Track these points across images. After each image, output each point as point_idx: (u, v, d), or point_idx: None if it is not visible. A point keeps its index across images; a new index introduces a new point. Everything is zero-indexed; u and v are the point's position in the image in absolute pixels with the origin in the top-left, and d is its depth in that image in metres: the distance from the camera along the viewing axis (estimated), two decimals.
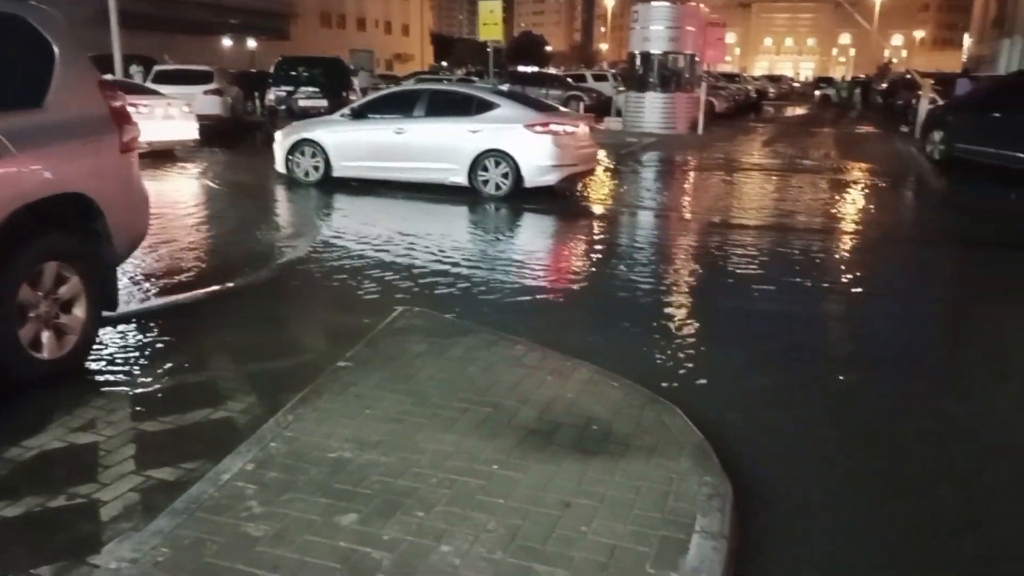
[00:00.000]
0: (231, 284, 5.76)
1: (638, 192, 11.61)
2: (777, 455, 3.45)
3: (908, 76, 26.30)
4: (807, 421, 3.81)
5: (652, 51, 20.15)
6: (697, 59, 20.99)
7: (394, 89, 12.98)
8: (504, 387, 3.78)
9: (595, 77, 32.63)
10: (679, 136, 19.50)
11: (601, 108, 24.99)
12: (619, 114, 21.61)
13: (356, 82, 22.48)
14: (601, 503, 2.79)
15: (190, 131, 13.87)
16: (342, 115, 10.77)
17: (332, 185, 10.30)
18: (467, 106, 9.97)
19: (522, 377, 3.90)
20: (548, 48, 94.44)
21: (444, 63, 75.26)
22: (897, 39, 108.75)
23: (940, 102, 17.24)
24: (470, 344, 4.35)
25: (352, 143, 10.29)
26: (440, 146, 9.81)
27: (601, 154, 15.40)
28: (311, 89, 19.36)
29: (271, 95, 20.14)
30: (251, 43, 43.64)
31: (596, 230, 8.68)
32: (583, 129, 10.22)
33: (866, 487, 3.24)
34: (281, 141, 10.74)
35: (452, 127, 9.78)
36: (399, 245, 7.15)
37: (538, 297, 5.76)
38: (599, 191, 11.35)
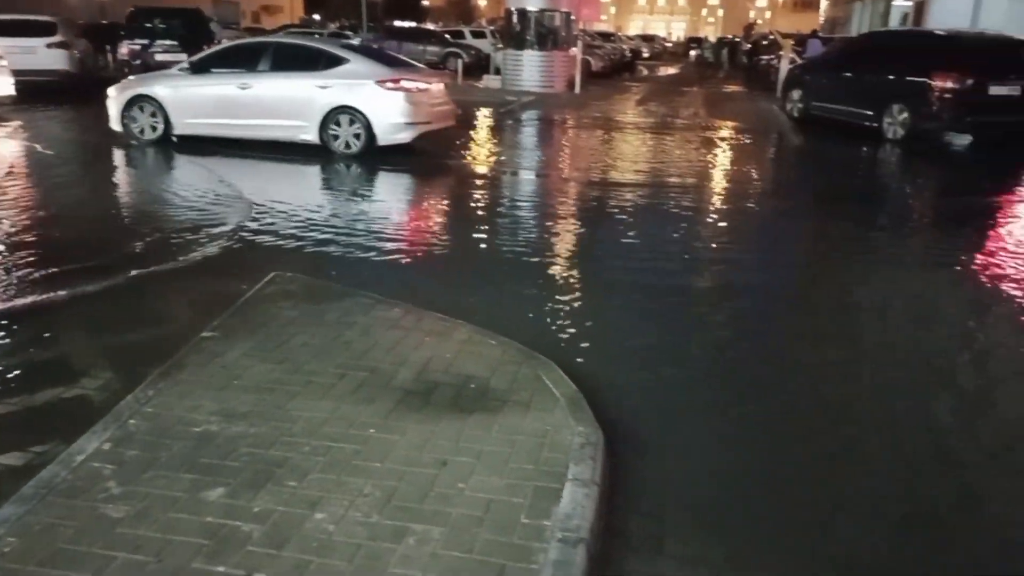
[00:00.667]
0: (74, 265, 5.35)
1: (513, 151, 11.64)
2: (651, 406, 3.59)
3: (771, 37, 27.52)
4: (680, 373, 3.98)
5: (529, 8, 20.08)
6: (573, 17, 21.12)
7: (237, 42, 12.28)
8: (381, 350, 3.73)
9: (474, 34, 32.24)
10: (557, 95, 19.65)
11: (480, 66, 24.80)
12: (498, 72, 21.50)
13: (218, 34, 21.19)
14: (478, 459, 2.83)
15: (3, 86, 12.72)
16: (181, 69, 10.21)
17: (175, 144, 9.80)
18: (315, 61, 9.62)
19: (400, 339, 3.87)
20: (426, 3, 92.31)
21: (316, 16, 72.18)
22: (761, 1, 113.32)
23: (799, 62, 18.18)
24: (346, 308, 4.27)
25: (194, 99, 9.77)
26: (288, 102, 9.48)
27: (483, 112, 15.48)
28: (168, 42, 18.06)
29: (124, 49, 18.68)
30: None
31: (468, 189, 8.65)
32: (437, 86, 10.09)
33: (736, 434, 3.43)
34: (116, 97, 10.07)
35: (300, 82, 9.45)
36: (259, 208, 6.86)
37: (411, 258, 5.70)
38: (478, 150, 11.31)
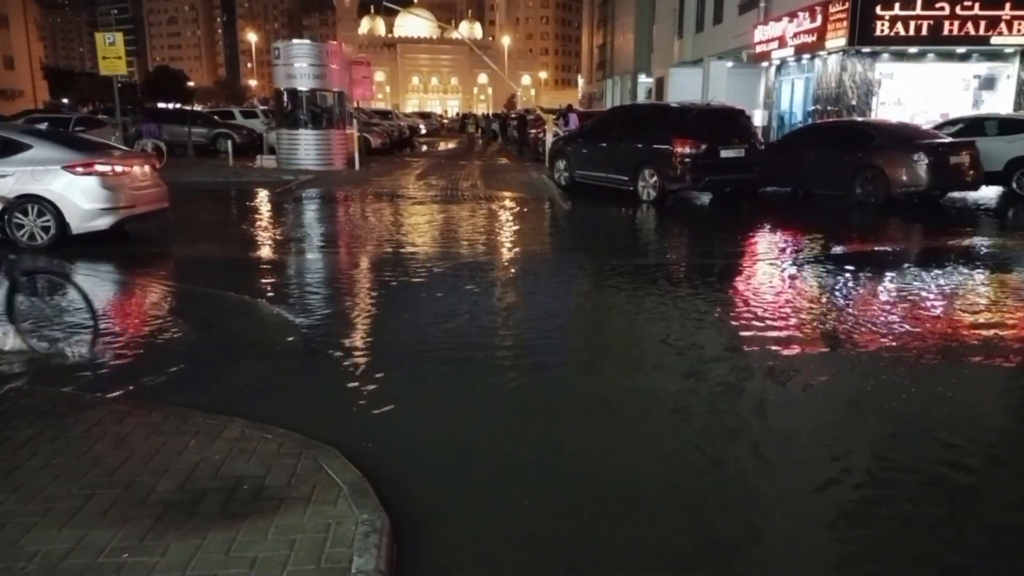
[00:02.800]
0: None
1: (285, 229, 11.34)
2: (441, 478, 3.53)
3: (533, 114, 29.59)
4: (470, 439, 3.97)
5: (299, 88, 19.98)
6: (346, 96, 21.32)
7: None
8: (138, 461, 3.37)
9: (244, 114, 31.41)
10: (337, 172, 19.58)
11: (254, 146, 24.13)
12: (273, 152, 21.04)
13: None
14: (252, 568, 2.60)
15: None
16: None
17: None
18: None
19: (160, 446, 3.52)
20: (190, 83, 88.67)
21: (65, 100, 66.70)
22: (526, 79, 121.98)
23: (561, 134, 19.66)
24: (95, 418, 3.82)
25: None
26: None
27: (263, 194, 14.98)
28: None
29: None
30: None
31: (221, 274, 8.26)
32: (140, 168, 9.52)
33: (526, 493, 3.46)
34: None
35: None
36: None
37: (163, 354, 5.23)
38: (264, 230, 10.87)
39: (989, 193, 14.79)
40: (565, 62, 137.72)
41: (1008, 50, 21.01)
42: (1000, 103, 21.14)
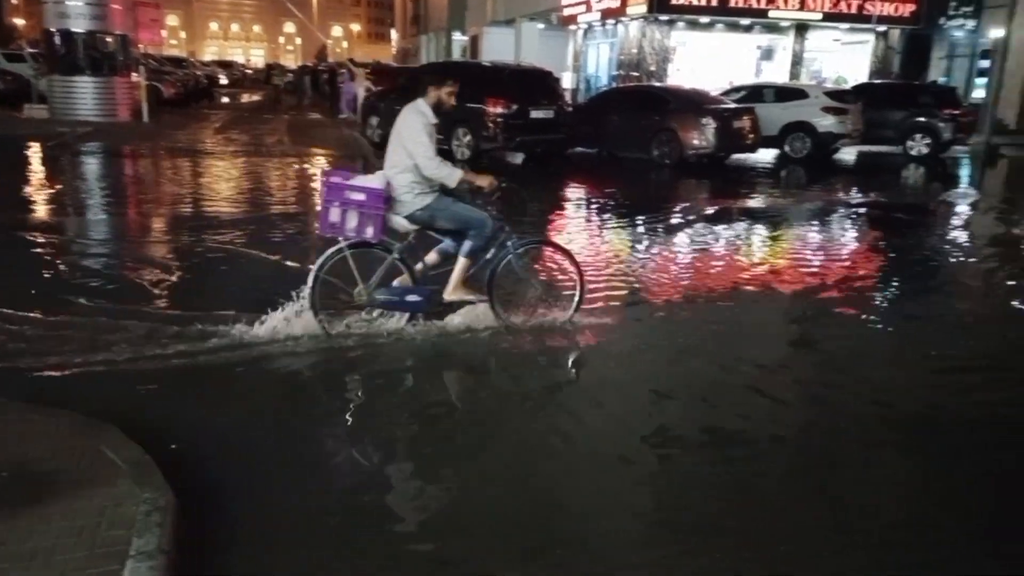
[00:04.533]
0: None
1: (61, 189, 10.20)
2: (231, 451, 3.37)
3: (343, 68, 28.52)
4: (259, 413, 3.82)
5: (74, 29, 17.81)
6: (131, 40, 19.31)
7: None
8: None
9: (9, 57, 27.55)
10: (122, 124, 17.80)
11: (21, 93, 21.28)
12: (44, 101, 18.69)
13: None
14: (32, 560, 2.35)
15: None
16: None
17: None
18: None
19: None
20: None
21: None
22: (337, 30, 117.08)
23: (374, 90, 19.13)
24: None
25: None
26: None
27: (33, 148, 13.27)
28: None
29: None
30: None
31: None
32: None
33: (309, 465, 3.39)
34: None
35: None
36: None
37: None
38: (34, 188, 9.65)
39: (766, 155, 16.33)
40: (379, 15, 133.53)
41: (784, 24, 23.14)
42: (777, 72, 23.32)
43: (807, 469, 3.46)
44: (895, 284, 6.84)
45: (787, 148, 15.92)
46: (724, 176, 13.90)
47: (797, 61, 23.74)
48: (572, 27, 25.94)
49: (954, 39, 27.60)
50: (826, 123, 15.50)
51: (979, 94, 23.38)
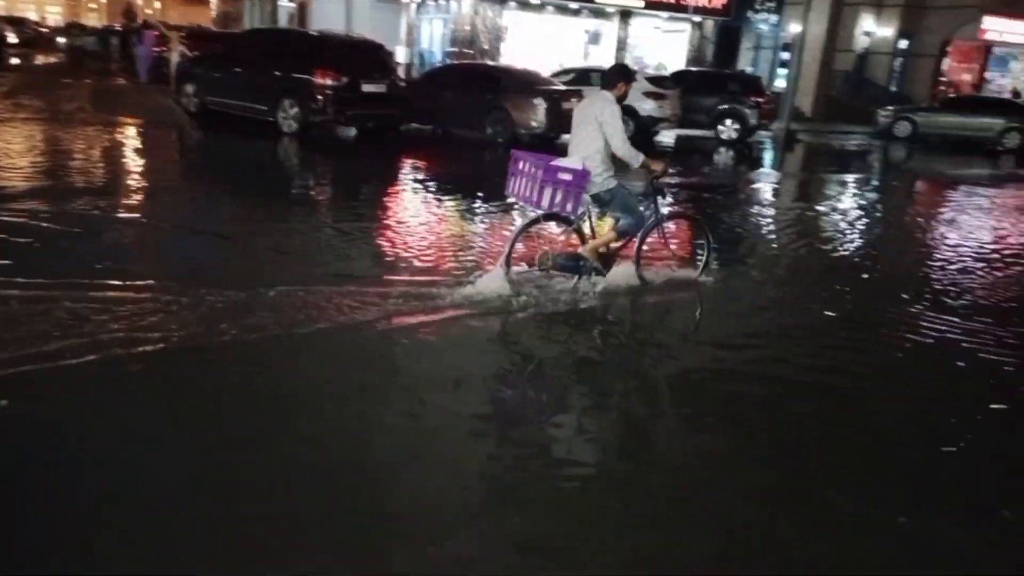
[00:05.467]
0: None
1: None
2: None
3: (157, 30, 26.30)
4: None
5: None
6: None
7: None
8: None
9: None
10: None
11: None
12: None
13: None
14: None
15: None
16: None
17: None
18: None
19: None
20: None
21: None
22: None
23: (189, 55, 17.79)
24: None
25: None
26: None
27: None
28: None
29: None
30: None
31: None
32: None
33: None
34: None
35: None
36: None
37: None
38: None
39: None
40: None
41: (610, 9, 24.04)
42: (604, 56, 24.21)
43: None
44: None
45: None
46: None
47: (622, 46, 24.79)
48: (405, 0, 25.47)
49: (760, 32, 29.98)
50: (647, 107, 16.31)
51: (781, 83, 25.61)
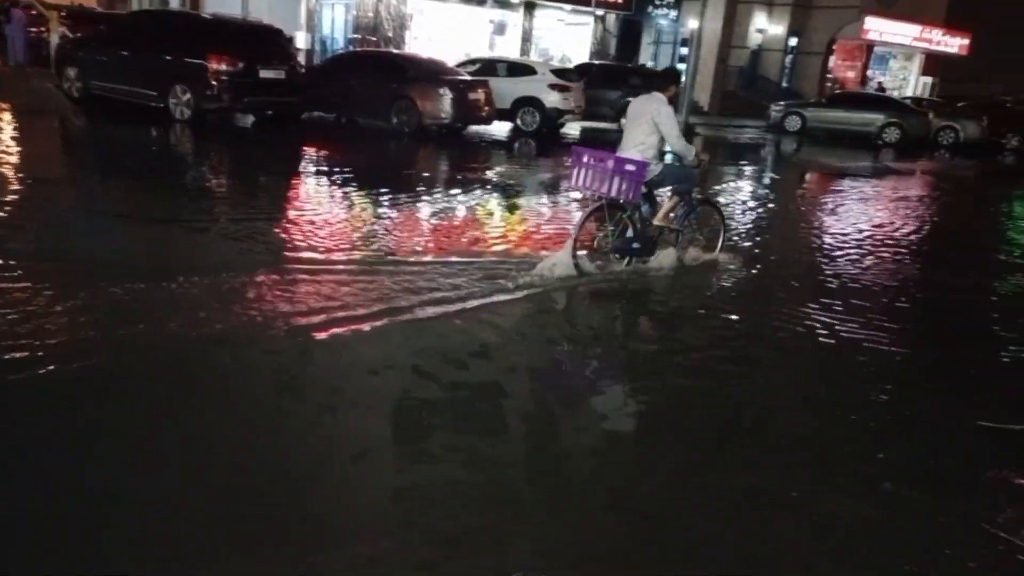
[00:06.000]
0: None
1: None
2: None
3: (34, 9, 24.56)
4: None
5: None
6: None
7: None
8: None
9: None
10: None
11: None
12: None
13: None
14: None
15: None
16: None
17: None
18: None
19: None
20: None
21: None
22: None
23: (71, 37, 16.70)
24: None
25: None
26: None
27: None
28: None
29: None
30: None
31: None
32: None
33: None
34: None
35: None
36: None
37: None
38: None
39: (501, 128, 16.98)
40: None
41: (515, 0, 24.10)
42: (510, 47, 24.28)
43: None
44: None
45: (519, 121, 16.67)
46: (462, 146, 14.23)
47: (527, 38, 24.93)
48: None
49: (660, 27, 30.75)
50: (552, 99, 16.46)
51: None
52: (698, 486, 3.20)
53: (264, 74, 12.82)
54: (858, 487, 3.29)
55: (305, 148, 12.11)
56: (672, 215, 6.51)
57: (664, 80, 6.20)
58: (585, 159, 5.96)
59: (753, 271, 6.85)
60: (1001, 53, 43.71)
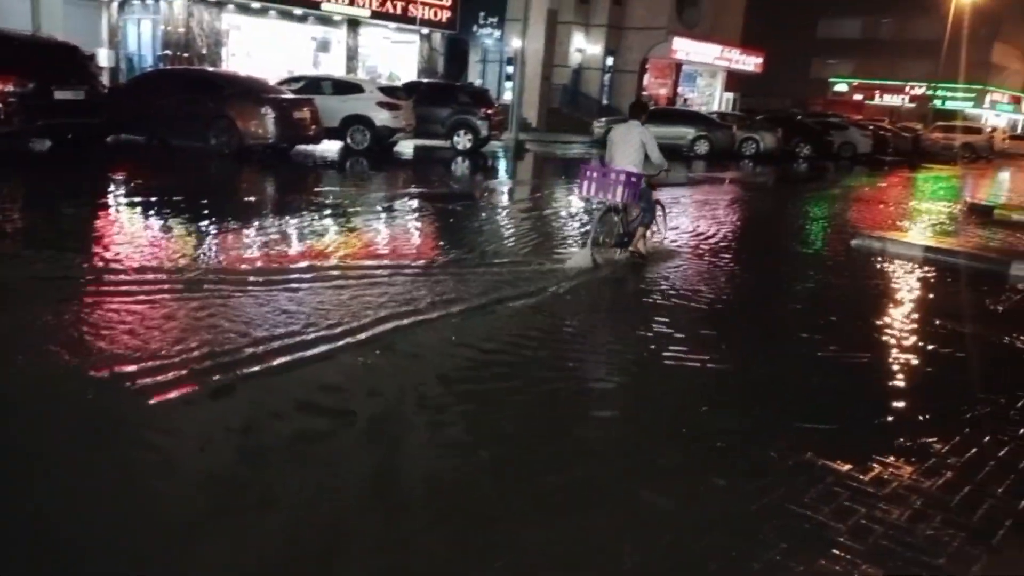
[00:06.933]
0: None
1: None
2: None
3: None
4: None
5: None
6: None
7: None
8: None
9: None
10: None
11: None
12: None
13: None
14: None
15: None
16: None
17: None
18: None
19: None
20: None
21: None
22: None
23: None
24: None
25: None
26: None
27: None
28: None
29: None
30: None
31: None
32: None
33: None
34: None
35: None
36: None
37: None
38: None
39: (331, 147, 16.55)
40: None
41: (337, 17, 23.70)
42: (335, 65, 23.80)
43: None
44: (456, 255, 7.47)
45: (349, 140, 16.34)
46: (290, 166, 13.71)
47: (352, 55, 24.54)
48: None
49: (486, 46, 31.40)
50: (382, 117, 16.28)
51: (508, 96, 27.02)
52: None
53: (60, 95, 11.71)
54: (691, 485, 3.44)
55: (112, 173, 11.15)
56: (641, 241, 8.04)
57: (638, 111, 7.85)
58: (591, 173, 7.48)
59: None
60: (789, 70, 48.65)
